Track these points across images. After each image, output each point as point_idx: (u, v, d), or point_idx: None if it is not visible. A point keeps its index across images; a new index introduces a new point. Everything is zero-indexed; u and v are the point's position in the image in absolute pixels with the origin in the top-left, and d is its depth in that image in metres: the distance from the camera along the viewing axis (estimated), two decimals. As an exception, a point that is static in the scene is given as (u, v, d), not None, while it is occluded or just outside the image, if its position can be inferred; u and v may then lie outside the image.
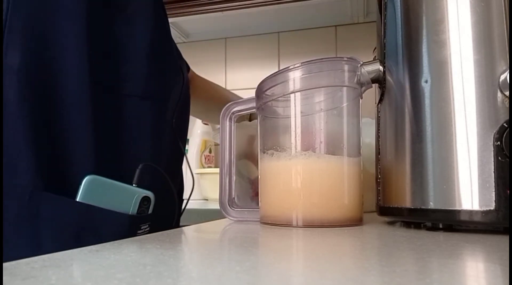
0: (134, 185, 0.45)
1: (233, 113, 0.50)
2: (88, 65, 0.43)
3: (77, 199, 0.41)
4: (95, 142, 0.44)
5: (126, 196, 0.44)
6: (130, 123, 0.47)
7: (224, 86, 1.61)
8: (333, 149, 0.41)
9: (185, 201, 0.62)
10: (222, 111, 0.50)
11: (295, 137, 0.42)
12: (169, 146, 0.54)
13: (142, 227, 0.45)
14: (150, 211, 0.46)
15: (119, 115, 0.47)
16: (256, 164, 0.48)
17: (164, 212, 0.50)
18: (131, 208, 0.44)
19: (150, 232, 0.46)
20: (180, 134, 0.57)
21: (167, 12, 0.59)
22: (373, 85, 0.44)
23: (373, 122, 0.47)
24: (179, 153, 0.58)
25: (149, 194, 0.46)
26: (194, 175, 0.64)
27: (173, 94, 0.54)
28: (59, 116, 0.42)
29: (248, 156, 0.64)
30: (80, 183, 0.41)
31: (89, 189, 0.41)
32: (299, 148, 0.41)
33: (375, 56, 0.48)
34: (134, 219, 0.44)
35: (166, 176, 0.50)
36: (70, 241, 0.40)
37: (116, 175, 0.44)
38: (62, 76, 0.42)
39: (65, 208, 0.40)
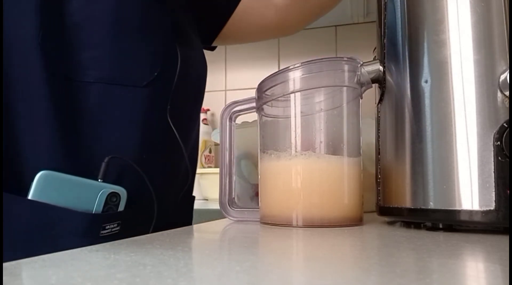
0: (99, 180, 0.41)
1: (233, 113, 0.50)
2: (41, 54, 0.40)
3: (29, 197, 0.37)
4: (54, 136, 0.40)
5: (89, 193, 0.40)
6: (97, 113, 0.43)
7: (224, 86, 1.62)
8: (333, 149, 0.41)
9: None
10: (222, 111, 0.50)
11: (295, 137, 0.42)
12: (161, 140, 0.49)
13: (107, 227, 0.41)
14: (120, 208, 0.42)
15: (83, 105, 0.42)
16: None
17: (140, 212, 0.45)
18: (95, 205, 0.40)
19: (122, 232, 0.42)
20: (179, 127, 0.50)
21: None
22: (373, 85, 0.44)
23: (373, 122, 0.47)
24: (177, 148, 0.51)
25: (119, 189, 0.41)
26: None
27: (163, 79, 0.47)
28: (10, 110, 0.39)
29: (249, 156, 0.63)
30: (33, 180, 0.38)
31: (43, 185, 0.38)
32: (299, 148, 0.41)
33: (375, 56, 0.48)
34: (94, 218, 0.40)
35: (139, 171, 0.44)
36: (21, 241, 0.38)
37: (83, 170, 0.40)
38: (12, 65, 0.39)
39: (13, 206, 0.37)
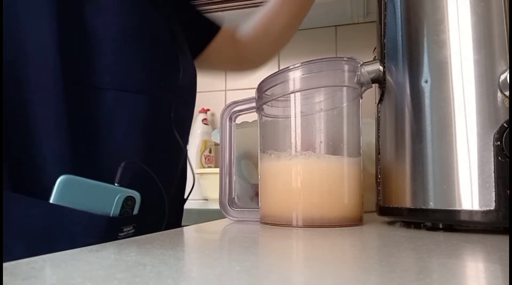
0: (116, 184, 0.42)
1: (233, 113, 0.50)
2: (59, 59, 0.41)
3: (51, 201, 0.38)
4: (72, 141, 0.41)
5: (107, 196, 0.41)
6: (110, 118, 0.44)
7: (224, 86, 1.62)
8: (333, 149, 0.41)
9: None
10: (222, 111, 0.50)
11: (295, 137, 0.42)
12: (164, 142, 0.51)
13: (124, 230, 0.42)
14: (135, 211, 0.43)
15: (98, 110, 0.44)
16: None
17: (152, 214, 0.47)
18: (113, 208, 0.41)
19: (136, 234, 0.43)
20: (180, 129, 0.53)
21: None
22: (373, 85, 0.44)
23: (373, 122, 0.47)
24: (178, 150, 0.54)
25: (134, 193, 0.43)
26: (195, 175, 0.63)
27: (168, 86, 0.50)
28: (29, 114, 0.40)
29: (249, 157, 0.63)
30: (54, 184, 0.39)
31: (64, 189, 0.39)
32: (299, 148, 0.41)
33: (375, 56, 0.48)
34: (113, 221, 0.41)
35: (153, 175, 0.46)
36: (41, 244, 0.38)
37: (99, 174, 0.42)
38: (30, 72, 0.40)
39: (34, 209, 0.38)
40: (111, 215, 0.41)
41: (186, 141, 0.56)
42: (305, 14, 0.78)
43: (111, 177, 0.42)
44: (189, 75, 0.56)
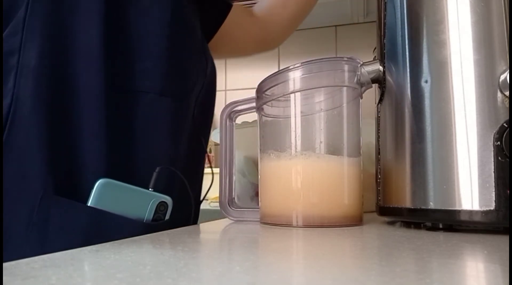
0: (150, 189, 0.43)
1: (233, 113, 0.50)
2: (103, 63, 0.42)
3: (89, 204, 0.39)
4: (109, 144, 0.42)
5: (142, 201, 0.42)
6: (146, 122, 0.45)
7: (224, 86, 1.62)
8: (333, 149, 0.41)
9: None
10: (222, 111, 0.50)
11: (295, 137, 0.42)
12: (190, 145, 0.51)
13: None
14: (167, 217, 0.44)
15: (135, 114, 0.44)
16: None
17: (181, 218, 0.47)
18: (147, 213, 0.42)
19: None
20: (202, 131, 0.53)
21: None
22: (373, 85, 0.44)
23: (373, 122, 0.47)
24: (201, 151, 0.54)
25: (167, 199, 0.43)
26: (213, 175, 0.62)
27: (195, 89, 0.51)
28: (73, 117, 0.41)
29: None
30: (93, 187, 0.40)
31: (102, 193, 0.40)
32: (299, 148, 0.41)
33: (375, 56, 0.48)
34: (148, 227, 0.42)
35: (184, 180, 0.47)
36: (77, 245, 0.39)
37: (133, 178, 0.42)
38: (76, 76, 0.41)
39: (75, 213, 0.39)
40: (144, 220, 0.42)
41: (207, 143, 0.57)
42: None
43: (145, 181, 0.43)
44: (210, 76, 0.56)
